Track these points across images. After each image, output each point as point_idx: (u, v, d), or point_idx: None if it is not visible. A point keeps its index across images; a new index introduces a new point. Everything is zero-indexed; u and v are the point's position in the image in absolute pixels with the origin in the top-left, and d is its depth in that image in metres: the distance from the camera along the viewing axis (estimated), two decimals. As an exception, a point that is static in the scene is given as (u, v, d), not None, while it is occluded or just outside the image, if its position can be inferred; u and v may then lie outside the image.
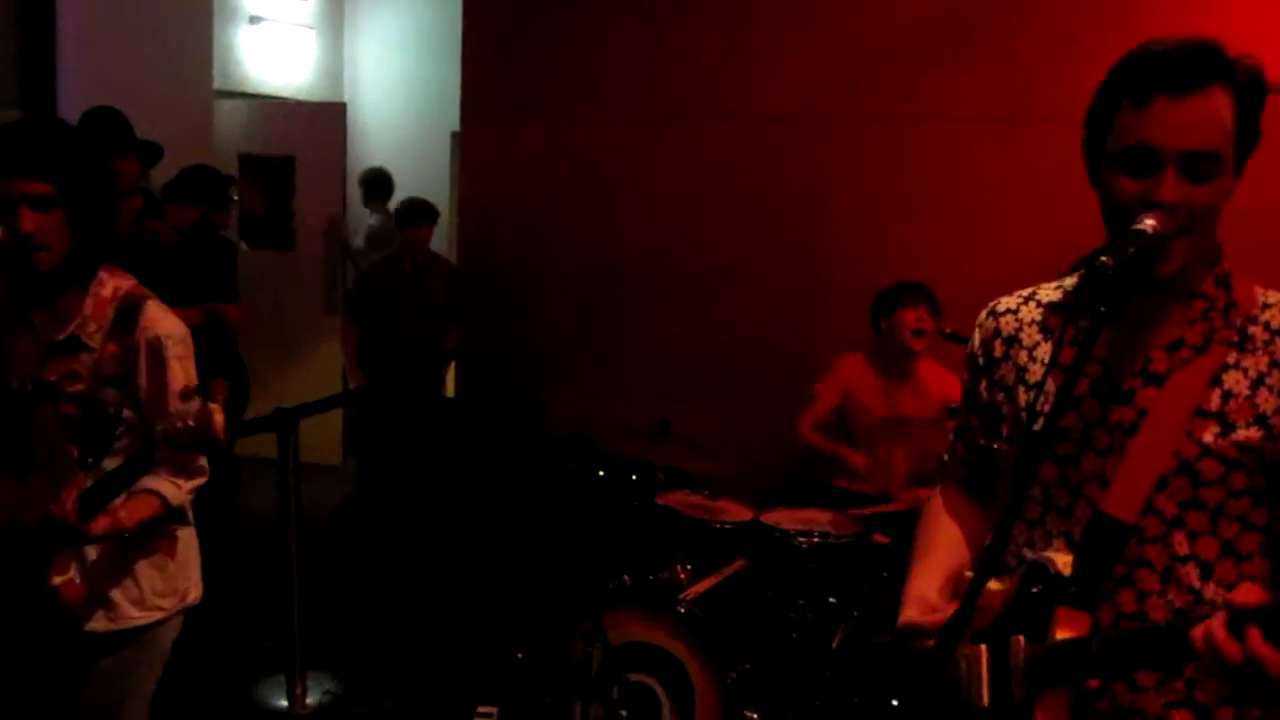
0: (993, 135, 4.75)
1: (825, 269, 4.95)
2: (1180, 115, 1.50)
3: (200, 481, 2.41)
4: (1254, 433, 1.54)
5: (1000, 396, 1.77)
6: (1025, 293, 1.81)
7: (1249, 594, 1.36)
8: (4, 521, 2.24)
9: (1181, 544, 1.58)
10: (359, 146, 8.30)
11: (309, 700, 3.79)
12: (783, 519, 3.84)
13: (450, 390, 6.53)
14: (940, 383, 4.32)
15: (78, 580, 2.28)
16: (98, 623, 2.39)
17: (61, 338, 2.30)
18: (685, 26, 5.21)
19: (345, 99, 8.33)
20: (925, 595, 1.77)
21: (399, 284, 6.06)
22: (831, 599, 3.68)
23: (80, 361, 2.30)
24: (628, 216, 5.34)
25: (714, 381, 5.04)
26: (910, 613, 1.74)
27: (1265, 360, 1.57)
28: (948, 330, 4.02)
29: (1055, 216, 4.49)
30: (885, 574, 3.86)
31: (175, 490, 2.35)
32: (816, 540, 3.68)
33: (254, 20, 7.63)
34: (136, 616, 2.43)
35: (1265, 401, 1.55)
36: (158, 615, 2.47)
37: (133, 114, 4.23)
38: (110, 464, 2.27)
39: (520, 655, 3.89)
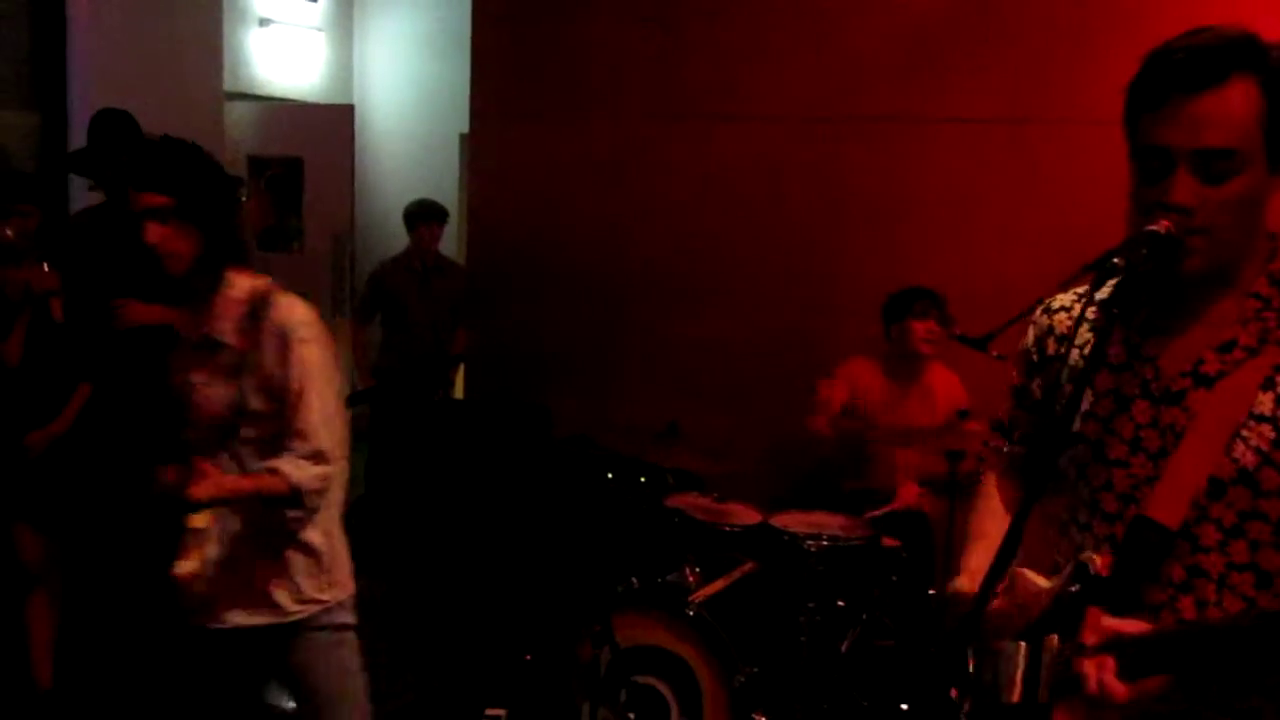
0: (1004, 136, 4.73)
1: (834, 270, 4.94)
2: (1192, 113, 1.47)
3: (330, 469, 2.44)
4: None
5: (1053, 394, 1.76)
6: (1080, 290, 1.78)
7: (1113, 621, 1.42)
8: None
9: (1241, 553, 1.54)
10: (368, 149, 8.32)
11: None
12: (792, 522, 3.82)
13: (459, 391, 6.53)
14: (947, 387, 4.31)
15: (202, 571, 2.37)
16: (255, 617, 2.50)
17: (198, 338, 2.46)
18: (694, 28, 5.20)
19: (354, 101, 8.34)
20: (980, 568, 1.73)
21: (409, 284, 6.07)
22: (840, 602, 3.67)
23: (217, 358, 2.44)
24: (635, 218, 5.34)
25: (722, 383, 5.03)
26: (962, 580, 1.75)
27: None
28: (958, 332, 4.01)
29: (1067, 218, 4.48)
30: (894, 578, 3.85)
31: (296, 469, 2.39)
32: (826, 543, 3.67)
33: (264, 23, 7.66)
34: (295, 610, 2.52)
35: None
36: (315, 608, 2.55)
37: (143, 116, 4.24)
38: (246, 450, 2.43)
39: (528, 657, 3.89)
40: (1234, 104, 1.47)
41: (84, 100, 5.49)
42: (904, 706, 3.59)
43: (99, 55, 5.73)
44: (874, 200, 4.94)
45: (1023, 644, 1.61)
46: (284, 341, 2.41)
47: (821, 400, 4.32)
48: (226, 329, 2.45)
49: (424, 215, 6.20)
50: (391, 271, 6.20)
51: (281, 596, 2.52)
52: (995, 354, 3.64)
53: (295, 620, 2.54)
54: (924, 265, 4.63)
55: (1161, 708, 1.45)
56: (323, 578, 2.57)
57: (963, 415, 4.04)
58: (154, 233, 2.35)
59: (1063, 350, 1.74)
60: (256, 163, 7.60)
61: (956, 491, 3.85)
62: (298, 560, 2.53)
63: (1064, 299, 1.79)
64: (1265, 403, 1.52)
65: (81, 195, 4.83)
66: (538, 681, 3.78)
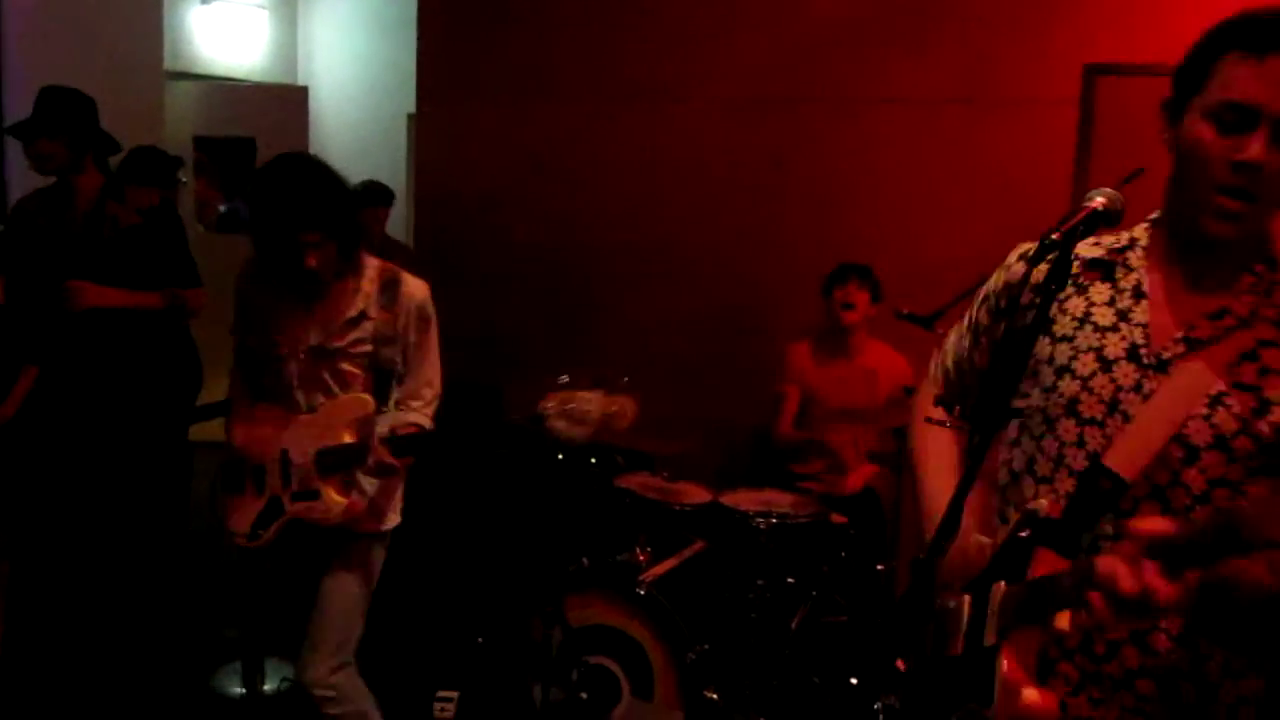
0: (951, 117, 4.77)
1: (783, 251, 4.96)
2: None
3: (435, 401, 3.05)
4: None
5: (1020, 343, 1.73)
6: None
7: (1152, 524, 1.33)
8: (275, 450, 2.91)
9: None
10: (314, 129, 8.21)
11: (266, 687, 3.76)
12: (742, 500, 3.85)
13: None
14: (890, 365, 4.33)
15: (351, 497, 2.87)
16: (368, 524, 2.99)
17: (353, 314, 2.91)
18: (641, 8, 5.19)
19: (300, 81, 8.22)
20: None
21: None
22: (790, 579, 3.70)
23: (364, 329, 2.91)
24: (585, 199, 5.32)
25: (672, 364, 5.03)
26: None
27: None
28: (904, 310, 4.04)
29: (1014, 197, 4.53)
30: (843, 554, 3.88)
31: (426, 419, 2.99)
32: (775, 521, 3.69)
33: (205, 0, 7.52)
34: (390, 520, 3.06)
35: None
36: (395, 522, 3.08)
37: (80, 95, 4.15)
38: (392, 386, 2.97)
39: (480, 640, 3.88)
40: None
41: (20, 78, 5.37)
42: (854, 681, 3.63)
43: (34, 32, 5.60)
44: (822, 181, 4.96)
45: (966, 596, 1.63)
46: (422, 314, 2.98)
47: (785, 406, 4.37)
48: (370, 305, 2.92)
49: (370, 198, 6.12)
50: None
51: (390, 511, 3.07)
52: (942, 332, 3.66)
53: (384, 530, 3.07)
54: (872, 245, 4.65)
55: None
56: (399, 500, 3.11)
57: (909, 392, 4.08)
58: (313, 259, 2.79)
59: (1036, 302, 1.71)
60: (203, 143, 7.47)
61: (905, 468, 3.88)
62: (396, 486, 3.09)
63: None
64: (1248, 372, 1.54)
65: (19, 174, 4.73)
66: (490, 663, 3.78)
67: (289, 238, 2.77)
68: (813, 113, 4.96)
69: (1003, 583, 1.56)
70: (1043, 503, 1.57)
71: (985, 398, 1.69)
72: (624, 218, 5.24)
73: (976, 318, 1.89)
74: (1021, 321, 1.73)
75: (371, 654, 3.32)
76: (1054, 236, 1.50)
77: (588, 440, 2.59)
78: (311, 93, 8.23)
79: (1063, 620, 1.48)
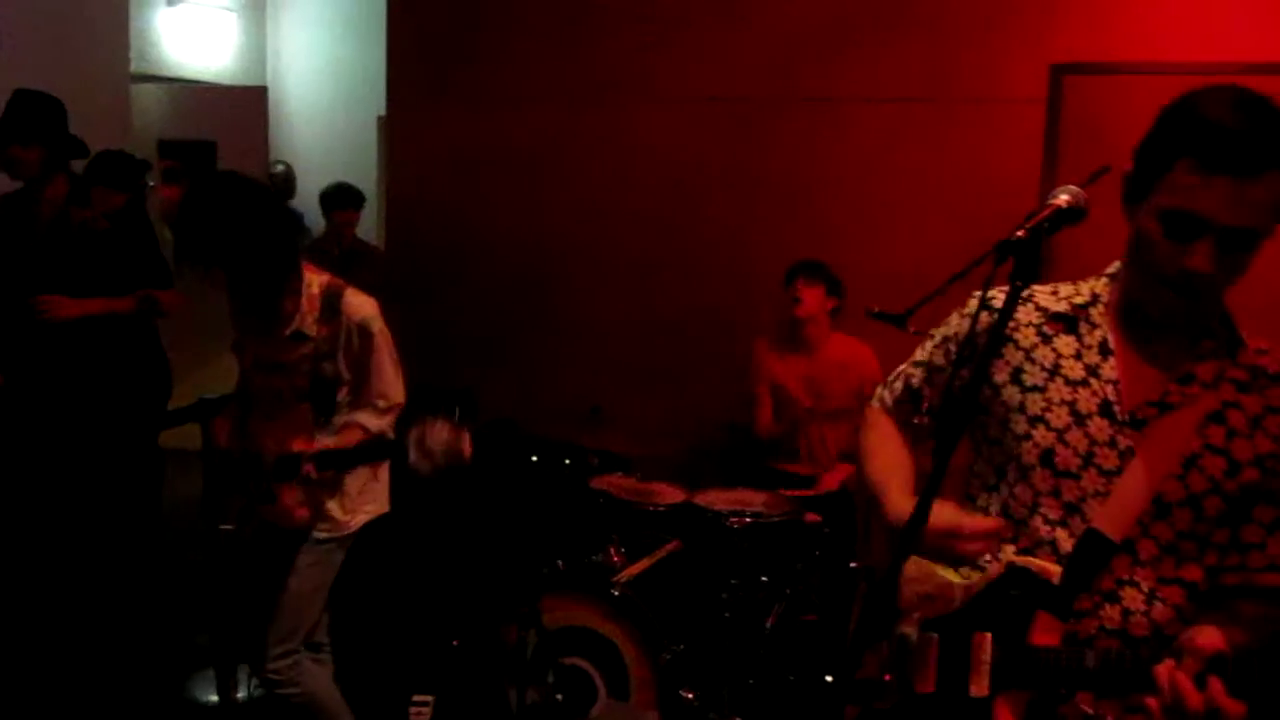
0: (919, 116, 4.79)
1: (752, 250, 4.97)
2: (1239, 196, 1.51)
3: (399, 410, 3.06)
4: (1254, 473, 1.62)
5: (987, 392, 1.78)
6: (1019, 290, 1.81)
7: (1208, 639, 1.47)
8: (252, 450, 3.02)
9: (1169, 569, 1.65)
10: (283, 132, 8.16)
11: (239, 694, 3.74)
12: (715, 500, 3.85)
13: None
14: (859, 362, 4.35)
15: (304, 502, 2.98)
16: (319, 530, 3.06)
17: (289, 333, 2.99)
18: (610, 9, 5.19)
19: (268, 83, 8.17)
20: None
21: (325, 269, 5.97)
22: (764, 578, 3.70)
23: (305, 346, 2.99)
24: (556, 200, 5.32)
25: (644, 364, 5.04)
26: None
27: (1261, 404, 1.63)
28: (875, 309, 4.05)
29: (981, 195, 4.56)
30: (817, 553, 3.89)
31: (375, 419, 3.02)
32: (749, 520, 3.70)
33: (172, 2, 7.46)
34: (345, 522, 3.10)
35: (1262, 443, 1.62)
36: (363, 519, 3.15)
37: (45, 98, 4.11)
38: (343, 404, 3.05)
39: (455, 643, 3.87)
40: (1269, 191, 1.52)
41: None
42: (829, 679, 3.64)
43: (0, 34, 5.54)
44: (792, 180, 4.98)
45: (935, 636, 1.68)
46: (363, 331, 3.02)
47: (761, 400, 4.39)
48: (309, 323, 2.99)
49: (340, 200, 6.11)
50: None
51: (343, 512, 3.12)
52: (913, 330, 3.69)
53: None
54: (841, 243, 4.68)
55: None
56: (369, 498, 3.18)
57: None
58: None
59: (1004, 352, 1.78)
60: (167, 147, 7.40)
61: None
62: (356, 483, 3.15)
63: (1004, 299, 1.82)
64: (1218, 435, 1.63)
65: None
66: (465, 666, 3.77)
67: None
68: (781, 112, 4.97)
69: (990, 636, 1.63)
70: (1045, 566, 1.65)
71: (949, 404, 1.71)
72: (594, 219, 5.24)
73: (930, 358, 1.92)
74: (991, 370, 1.78)
75: (347, 658, 3.31)
76: (1019, 234, 1.51)
77: (430, 474, 2.62)
78: (281, 95, 8.18)
79: (1085, 702, 1.61)
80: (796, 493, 4.11)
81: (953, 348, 1.87)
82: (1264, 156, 1.49)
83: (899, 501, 1.79)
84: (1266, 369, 1.65)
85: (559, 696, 3.46)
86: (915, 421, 1.86)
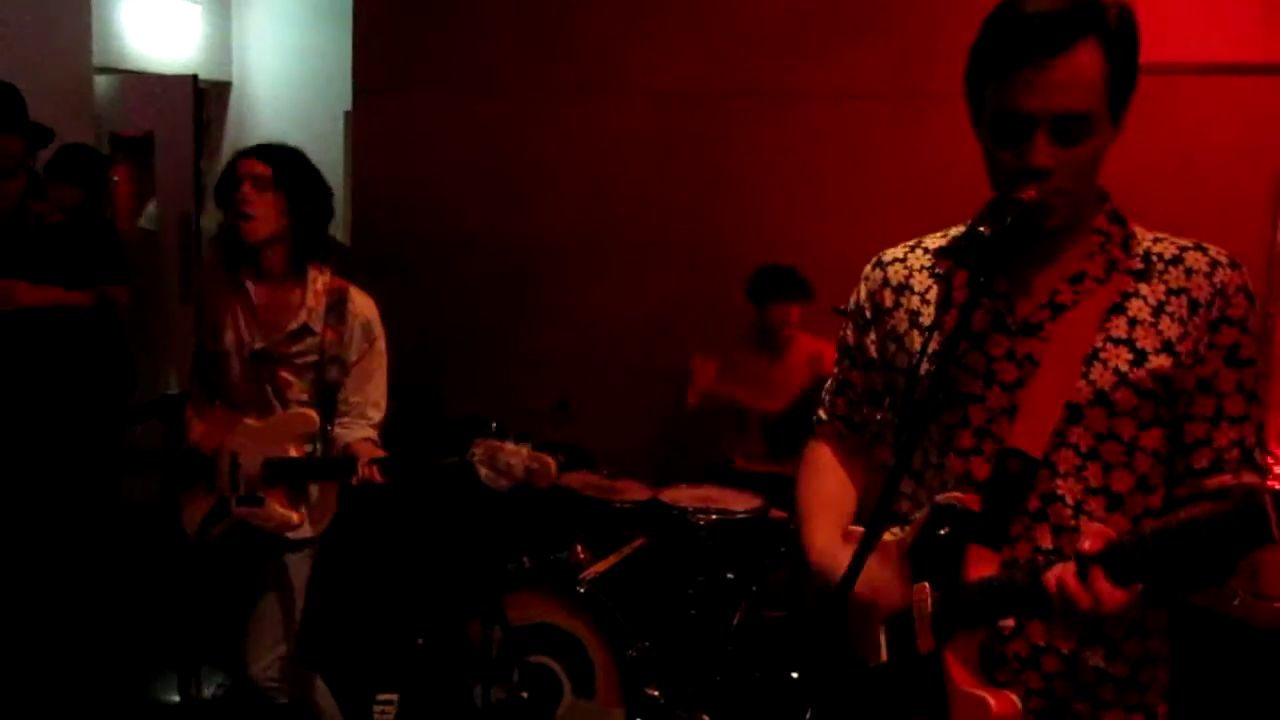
0: (886, 112, 4.80)
1: (720, 246, 4.97)
2: (1047, 79, 1.47)
3: (381, 421, 3.05)
4: (1164, 360, 1.54)
5: (893, 348, 1.75)
6: (911, 242, 1.80)
7: (1095, 538, 1.39)
8: (226, 452, 2.93)
9: (1095, 477, 1.57)
10: (248, 125, 8.08)
11: (203, 693, 3.70)
12: (681, 497, 3.85)
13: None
14: (823, 359, 4.36)
15: (291, 508, 2.93)
16: (301, 532, 2.99)
17: (295, 327, 2.91)
18: (580, 1, 5.17)
19: (233, 77, 8.08)
20: (828, 542, 1.78)
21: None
22: (730, 575, 3.70)
23: (308, 343, 2.93)
24: (523, 194, 5.30)
25: (612, 359, 5.03)
26: (818, 556, 1.76)
27: (1162, 288, 1.57)
28: (841, 306, 4.05)
29: (948, 193, 4.54)
30: (783, 549, 3.89)
31: (374, 433, 3.02)
32: (715, 517, 3.70)
33: (135, -6, 7.37)
34: (323, 525, 3.04)
35: (1168, 328, 1.55)
36: (325, 524, 3.07)
37: (4, 90, 4.05)
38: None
39: (420, 641, 3.84)
40: (1085, 67, 1.48)
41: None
42: (794, 675, 3.64)
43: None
44: (761, 175, 4.98)
45: (876, 602, 1.63)
46: (367, 332, 2.98)
47: (696, 377, 4.39)
48: (314, 319, 2.92)
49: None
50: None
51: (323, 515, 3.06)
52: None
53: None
54: (807, 239, 4.68)
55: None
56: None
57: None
58: (249, 189, 2.81)
59: (901, 300, 1.74)
60: (118, 140, 7.27)
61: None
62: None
63: (896, 251, 1.80)
64: (1119, 325, 1.56)
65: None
66: (429, 665, 3.74)
67: (233, 171, 2.81)
68: (749, 107, 4.97)
69: (928, 585, 1.56)
70: (961, 498, 1.57)
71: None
72: (562, 213, 5.23)
73: (845, 339, 1.87)
74: (891, 321, 1.74)
75: (311, 657, 3.28)
76: (982, 230, 1.50)
77: (506, 490, 2.67)
78: (247, 88, 8.10)
79: (1037, 635, 1.55)
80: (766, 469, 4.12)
81: (864, 315, 1.81)
82: (1061, 32, 1.47)
83: (820, 542, 1.78)
84: (1163, 254, 1.59)
85: (524, 694, 3.45)
86: (879, 418, 1.84)
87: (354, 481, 2.84)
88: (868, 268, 1.82)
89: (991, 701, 1.49)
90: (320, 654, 3.62)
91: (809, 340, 4.42)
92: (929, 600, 1.56)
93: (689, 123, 5.05)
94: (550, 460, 2.66)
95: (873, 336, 1.79)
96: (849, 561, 1.51)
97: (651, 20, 5.07)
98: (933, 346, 1.64)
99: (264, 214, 2.82)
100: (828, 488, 1.89)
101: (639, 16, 5.09)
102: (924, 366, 1.64)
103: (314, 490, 2.99)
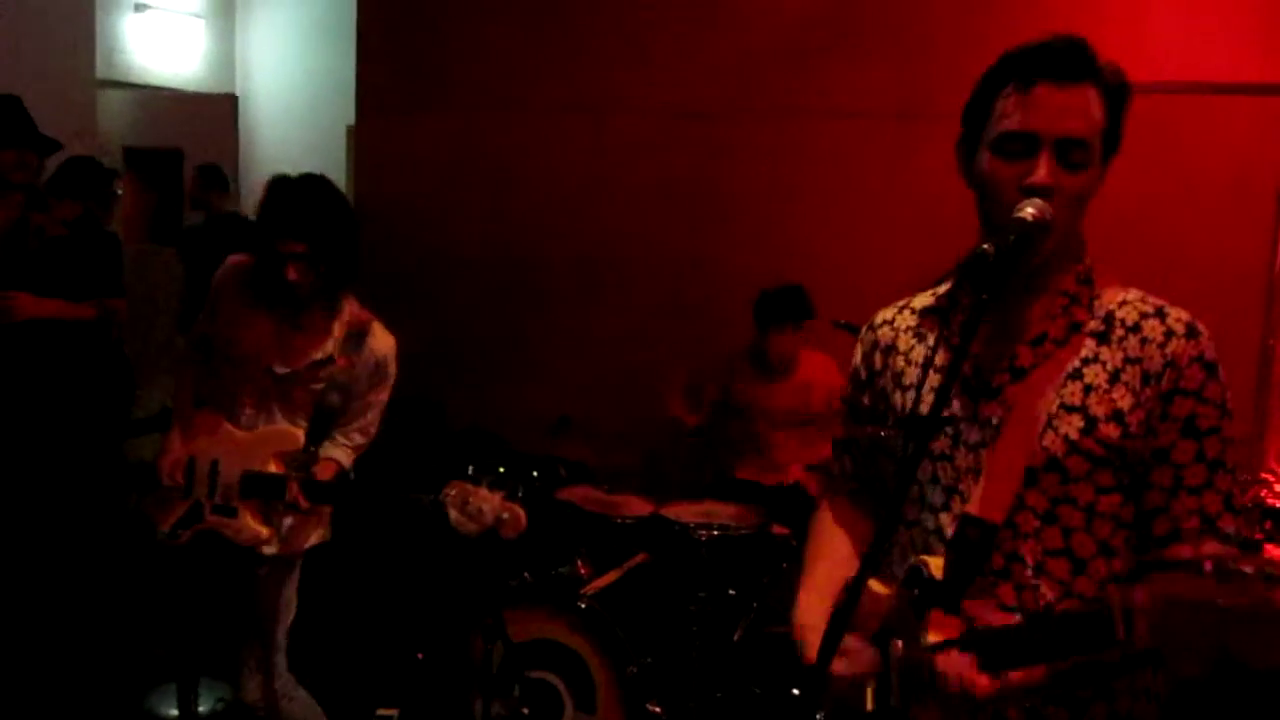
0: (888, 131, 4.82)
1: (722, 262, 4.98)
2: (1060, 101, 1.53)
3: (364, 445, 3.07)
4: (1113, 429, 1.55)
5: (882, 407, 1.79)
6: (900, 303, 1.84)
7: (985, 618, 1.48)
8: (207, 458, 2.95)
9: (1054, 539, 1.58)
10: (251, 140, 8.11)
11: (201, 708, 3.69)
12: (683, 512, 3.85)
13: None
14: (825, 375, 4.37)
15: (263, 524, 2.93)
16: (273, 548, 3.00)
17: (320, 356, 2.96)
18: (583, 19, 5.19)
19: (237, 91, 8.12)
20: (816, 592, 1.82)
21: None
22: (731, 591, 3.70)
23: (326, 370, 2.96)
24: (525, 211, 5.31)
25: (614, 375, 5.03)
26: (801, 612, 1.81)
27: (1120, 356, 1.58)
28: (842, 320, 4.07)
29: (949, 212, 4.56)
30: (785, 565, 3.89)
31: (348, 458, 3.04)
32: (716, 533, 3.69)
33: (139, 8, 7.41)
34: (296, 546, 3.06)
35: (1121, 398, 1.56)
36: (313, 543, 3.10)
37: (8, 104, 4.07)
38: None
39: (420, 655, 3.84)
40: (1090, 102, 1.55)
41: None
42: (795, 692, 3.64)
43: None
44: (761, 193, 5.00)
45: (873, 650, 1.65)
46: (381, 369, 3.03)
47: (686, 387, 4.41)
48: (335, 349, 2.97)
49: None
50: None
51: (302, 532, 3.07)
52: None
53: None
54: (810, 257, 4.70)
55: (1019, 704, 1.53)
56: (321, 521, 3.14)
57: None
58: (294, 273, 2.84)
59: (888, 362, 1.78)
60: (133, 154, 7.32)
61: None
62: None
63: (886, 313, 1.85)
64: (1074, 392, 1.58)
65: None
66: (430, 680, 3.74)
67: (276, 245, 2.84)
68: (751, 126, 4.99)
69: (900, 643, 1.60)
70: (928, 561, 1.61)
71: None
72: (565, 229, 5.24)
73: (848, 398, 1.91)
74: (880, 383, 1.79)
75: (311, 671, 3.27)
76: (985, 248, 1.51)
77: (473, 536, 2.69)
78: (250, 104, 8.14)
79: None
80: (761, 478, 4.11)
81: (860, 376, 1.85)
82: (1078, 65, 1.54)
83: (805, 605, 1.82)
84: (1125, 319, 1.60)
85: (525, 710, 3.44)
86: (883, 434, 1.85)
87: (282, 504, 2.87)
88: (863, 330, 1.87)
89: None
90: (320, 667, 3.62)
91: (812, 355, 4.42)
92: (899, 659, 1.59)
93: (689, 141, 5.06)
94: (520, 512, 2.68)
95: (866, 397, 1.83)
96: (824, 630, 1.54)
97: (651, 39, 5.09)
98: (914, 402, 1.68)
99: (307, 279, 2.88)
100: (827, 549, 1.92)
101: (639, 36, 5.11)
102: (922, 405, 1.67)
103: (283, 514, 2.97)
